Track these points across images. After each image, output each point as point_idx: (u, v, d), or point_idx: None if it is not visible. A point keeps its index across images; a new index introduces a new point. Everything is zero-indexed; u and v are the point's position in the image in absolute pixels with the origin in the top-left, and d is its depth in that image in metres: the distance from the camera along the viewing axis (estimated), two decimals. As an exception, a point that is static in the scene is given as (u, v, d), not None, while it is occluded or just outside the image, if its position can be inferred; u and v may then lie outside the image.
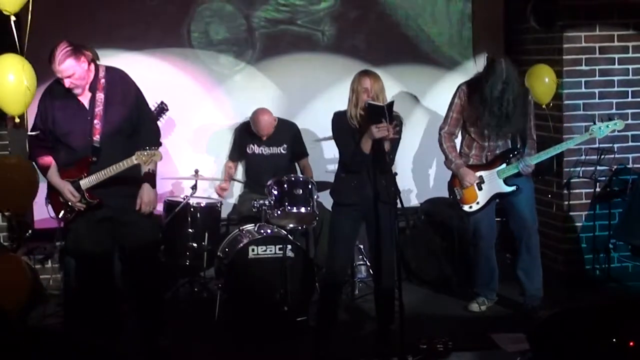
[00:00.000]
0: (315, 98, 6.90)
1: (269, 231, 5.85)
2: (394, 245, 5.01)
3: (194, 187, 6.24)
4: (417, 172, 7.11)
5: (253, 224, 6.00)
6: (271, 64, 6.87)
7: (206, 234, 6.17)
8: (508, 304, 6.00)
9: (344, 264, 5.44)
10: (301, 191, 5.81)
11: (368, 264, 6.25)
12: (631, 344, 3.47)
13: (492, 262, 5.90)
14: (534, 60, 6.57)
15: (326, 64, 6.89)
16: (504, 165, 5.68)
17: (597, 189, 6.48)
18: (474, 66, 6.92)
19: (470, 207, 5.75)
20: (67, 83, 4.81)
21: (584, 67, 6.54)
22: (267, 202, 5.86)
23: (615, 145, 6.44)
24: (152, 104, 5.50)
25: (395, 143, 5.08)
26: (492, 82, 5.44)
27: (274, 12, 6.83)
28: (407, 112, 6.71)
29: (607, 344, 3.51)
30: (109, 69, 4.99)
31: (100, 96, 4.89)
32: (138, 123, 5.00)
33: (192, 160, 6.53)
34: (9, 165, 5.83)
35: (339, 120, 5.15)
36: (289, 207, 5.75)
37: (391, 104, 4.91)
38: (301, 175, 6.27)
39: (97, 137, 4.86)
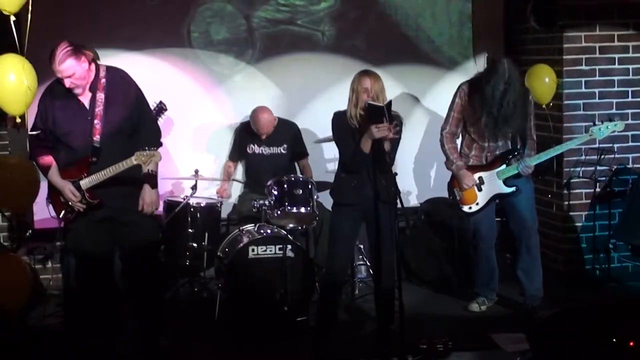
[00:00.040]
0: (315, 98, 6.90)
1: (269, 231, 5.85)
2: (394, 245, 5.01)
3: (194, 187, 6.24)
4: (417, 172, 7.11)
5: (253, 224, 6.00)
6: (271, 64, 6.87)
7: (206, 234, 6.17)
8: (508, 304, 6.00)
9: (344, 264, 5.44)
10: (301, 191, 5.81)
11: (368, 264, 6.25)
12: (631, 344, 3.47)
13: (492, 262, 5.90)
14: (534, 60, 6.57)
15: (326, 64, 6.89)
16: (503, 166, 5.68)
17: (597, 189, 6.48)
18: (474, 66, 6.92)
19: (470, 207, 5.75)
20: (67, 83, 4.81)
21: (584, 67, 6.54)
22: (267, 202, 5.86)
23: (615, 145, 6.44)
24: (151, 104, 5.50)
25: (395, 143, 5.08)
26: (494, 83, 5.43)
27: (274, 12, 6.83)
28: (407, 112, 6.71)
29: (607, 344, 3.51)
30: (109, 69, 4.99)
31: (100, 96, 4.89)
32: (138, 123, 5.00)
33: (192, 160, 6.53)
34: (11, 165, 5.83)
35: (339, 120, 5.15)
36: (289, 207, 5.75)
37: (389, 103, 4.91)
38: (301, 175, 6.27)
39: (97, 137, 4.86)
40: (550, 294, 5.92)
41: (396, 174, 4.91)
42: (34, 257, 6.42)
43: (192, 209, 6.18)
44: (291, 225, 5.85)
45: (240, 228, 6.05)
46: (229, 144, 6.76)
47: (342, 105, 5.16)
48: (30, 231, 6.29)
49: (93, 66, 4.91)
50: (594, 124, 5.72)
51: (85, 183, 4.90)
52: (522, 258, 5.79)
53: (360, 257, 6.42)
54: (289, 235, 5.79)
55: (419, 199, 7.03)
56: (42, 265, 6.49)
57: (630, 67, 6.59)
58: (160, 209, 6.11)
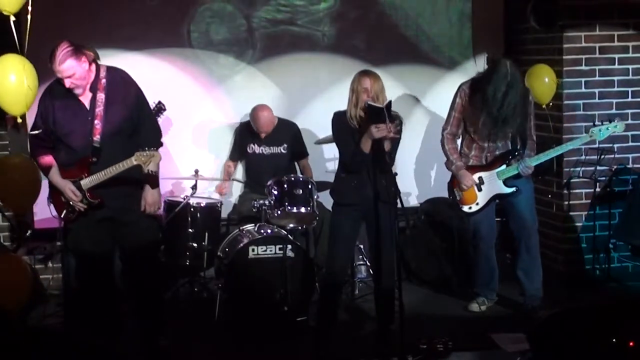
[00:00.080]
0: (315, 98, 6.90)
1: (269, 231, 5.85)
2: (394, 245, 5.01)
3: (194, 187, 6.25)
4: (417, 172, 7.11)
5: (253, 224, 6.00)
6: (271, 64, 6.87)
7: (206, 234, 6.17)
8: (508, 304, 6.00)
9: (344, 264, 5.44)
10: (301, 191, 5.81)
11: (368, 264, 6.25)
12: (631, 344, 3.47)
13: (492, 262, 5.90)
14: (534, 60, 6.57)
15: (326, 64, 6.89)
16: (503, 167, 5.68)
17: (597, 189, 6.49)
18: (474, 66, 6.92)
19: (470, 207, 5.75)
20: (67, 83, 4.81)
21: (584, 67, 6.54)
22: (267, 202, 5.86)
23: (615, 145, 6.44)
24: (150, 104, 5.49)
25: (395, 143, 5.08)
26: (496, 84, 5.41)
27: (274, 13, 6.83)
28: (407, 113, 6.71)
29: (607, 344, 3.51)
30: (110, 69, 4.99)
31: (101, 96, 4.89)
32: (139, 123, 5.00)
33: (192, 160, 6.53)
34: (12, 165, 5.82)
35: (339, 120, 5.15)
36: (289, 207, 5.75)
37: (389, 104, 4.91)
38: (301, 175, 6.27)
39: (97, 138, 4.86)
40: (550, 294, 5.92)
41: (396, 174, 4.91)
42: (34, 257, 6.42)
43: (192, 209, 6.19)
44: (291, 225, 5.85)
45: (240, 228, 6.05)
46: (229, 144, 6.77)
47: (342, 105, 5.16)
48: (30, 231, 6.29)
49: (93, 66, 4.91)
50: (594, 125, 5.72)
51: (85, 183, 4.90)
52: (521, 258, 5.80)
53: (360, 257, 6.42)
54: (289, 235, 5.79)
55: (419, 199, 7.02)
56: (42, 265, 6.49)
57: (630, 67, 6.59)
58: (160, 209, 6.12)
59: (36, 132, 4.98)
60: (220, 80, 6.82)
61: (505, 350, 5.14)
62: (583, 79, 6.54)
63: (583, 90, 6.55)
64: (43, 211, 5.82)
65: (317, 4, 6.87)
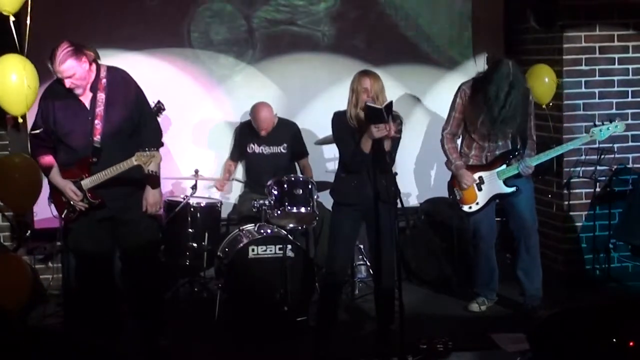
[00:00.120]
0: (315, 98, 6.90)
1: (269, 231, 5.85)
2: (394, 245, 5.01)
3: (194, 187, 6.25)
4: (417, 172, 7.11)
5: (253, 224, 6.00)
6: (271, 64, 6.87)
7: (206, 234, 6.17)
8: (508, 304, 6.00)
9: (344, 264, 5.44)
10: (301, 191, 5.81)
11: (368, 264, 6.25)
12: (631, 344, 3.47)
13: (492, 262, 5.91)
14: (534, 60, 6.57)
15: (326, 64, 6.89)
16: (504, 166, 5.68)
17: (597, 189, 6.49)
18: (474, 66, 6.92)
19: (470, 207, 5.75)
20: (67, 83, 4.81)
21: (584, 67, 6.54)
22: (267, 202, 5.86)
23: (615, 145, 6.44)
24: (150, 104, 5.50)
25: (395, 142, 5.08)
26: (499, 83, 5.40)
27: (274, 13, 6.83)
28: (407, 113, 6.71)
29: (607, 344, 3.51)
30: (110, 69, 4.99)
31: (101, 96, 4.89)
32: (139, 123, 5.00)
33: (192, 160, 6.53)
34: (13, 165, 5.81)
35: (339, 120, 5.15)
36: (289, 207, 5.75)
37: (390, 104, 4.90)
38: (301, 175, 6.27)
39: (97, 138, 4.86)
40: (550, 294, 5.92)
41: (396, 174, 4.91)
42: (34, 257, 6.42)
43: (192, 209, 6.19)
44: (291, 225, 5.85)
45: (240, 228, 6.05)
46: (229, 144, 6.77)
47: (342, 105, 5.16)
48: (30, 231, 6.29)
49: (94, 66, 4.91)
50: (595, 125, 5.72)
51: (86, 183, 4.90)
52: (521, 258, 5.80)
53: (360, 257, 6.42)
54: (289, 235, 5.79)
55: (419, 199, 7.02)
56: (42, 265, 6.49)
57: (630, 67, 6.59)
58: (161, 209, 6.12)
59: (36, 131, 4.98)
60: (220, 80, 6.82)
61: (505, 350, 5.14)
62: (583, 79, 6.54)
63: (583, 90, 6.55)
64: (43, 211, 5.81)
65: (317, 4, 6.87)
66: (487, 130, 5.58)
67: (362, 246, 6.31)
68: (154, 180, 5.03)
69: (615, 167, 6.51)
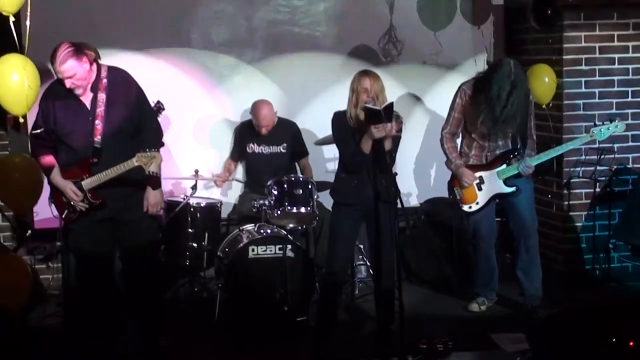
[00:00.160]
0: (315, 98, 6.90)
1: (269, 231, 5.85)
2: (394, 245, 5.01)
3: (194, 187, 6.25)
4: (417, 172, 7.11)
5: (253, 224, 6.00)
6: (271, 64, 6.87)
7: (206, 234, 6.17)
8: (508, 304, 6.00)
9: (344, 264, 5.44)
10: (301, 191, 5.81)
11: (368, 264, 6.25)
12: (631, 344, 3.48)
13: (492, 262, 5.91)
14: (534, 60, 6.57)
15: (326, 64, 6.89)
16: (504, 166, 5.68)
17: (597, 189, 6.49)
18: (474, 66, 6.92)
19: (470, 207, 5.75)
20: (68, 83, 4.80)
21: (584, 67, 6.54)
22: (267, 202, 5.86)
23: (615, 145, 6.44)
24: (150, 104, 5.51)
25: (396, 142, 5.08)
26: (500, 83, 5.38)
27: (274, 13, 6.83)
28: (407, 113, 6.72)
29: (607, 344, 3.51)
30: (111, 69, 4.99)
31: (101, 96, 4.88)
32: (139, 123, 5.00)
33: (192, 161, 6.53)
34: (14, 165, 5.81)
35: (339, 120, 5.15)
36: (289, 207, 5.75)
37: (390, 105, 4.90)
38: (301, 175, 6.27)
39: (98, 138, 4.86)
40: (550, 294, 5.93)
41: (396, 174, 4.91)
42: (34, 257, 6.42)
43: (192, 209, 6.19)
44: (291, 225, 5.85)
45: (240, 228, 6.05)
46: (229, 144, 6.77)
47: (342, 105, 5.16)
48: (30, 231, 6.29)
49: (94, 66, 4.91)
50: (595, 125, 5.72)
51: (87, 184, 4.90)
52: (521, 258, 5.80)
53: (360, 257, 6.42)
54: (289, 235, 5.79)
55: (419, 199, 7.02)
56: (42, 265, 6.49)
57: (630, 67, 6.59)
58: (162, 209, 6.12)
59: (37, 131, 4.98)
60: (220, 80, 6.82)
61: (505, 350, 5.14)
62: (583, 79, 6.54)
63: (583, 90, 6.55)
64: (43, 211, 5.81)
65: (317, 4, 6.87)
66: (487, 130, 5.58)
67: (362, 246, 6.31)
68: (155, 181, 5.03)
69: (615, 167, 6.51)
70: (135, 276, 5.15)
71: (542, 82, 6.34)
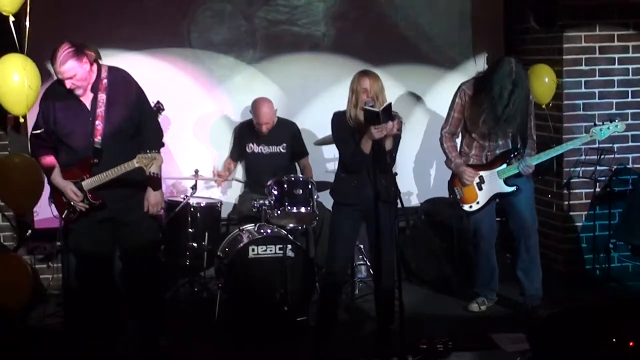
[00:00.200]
0: (315, 98, 6.90)
1: (269, 231, 5.85)
2: (394, 245, 5.01)
3: (194, 187, 6.25)
4: (417, 172, 7.11)
5: (253, 224, 6.00)
6: (271, 64, 6.87)
7: (206, 234, 6.17)
8: (508, 304, 6.00)
9: (344, 264, 5.44)
10: (301, 191, 5.81)
11: (368, 264, 6.25)
12: (631, 344, 3.48)
13: (493, 262, 5.91)
14: (534, 60, 6.56)
15: (326, 64, 6.89)
16: (504, 166, 5.68)
17: (597, 189, 6.49)
18: (474, 66, 6.92)
19: (471, 206, 5.75)
20: (68, 84, 4.80)
21: (584, 67, 6.54)
22: (267, 202, 5.86)
23: (615, 145, 6.44)
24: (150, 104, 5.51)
25: (396, 142, 5.07)
26: (502, 82, 5.38)
27: (274, 13, 6.83)
28: (407, 112, 6.71)
29: (607, 344, 3.51)
30: (111, 69, 4.98)
31: (102, 97, 4.88)
32: (140, 123, 5.00)
33: (192, 161, 6.53)
34: (14, 165, 5.80)
35: (339, 120, 5.15)
36: (289, 207, 5.75)
37: (388, 106, 4.90)
38: (301, 175, 6.27)
39: (98, 139, 4.86)
40: (550, 294, 5.93)
41: (396, 174, 4.91)
42: (34, 257, 6.42)
43: (192, 209, 6.19)
44: (291, 225, 5.85)
45: (240, 228, 6.05)
46: (229, 144, 6.77)
47: (342, 105, 5.16)
48: (30, 231, 6.28)
49: (95, 67, 4.90)
50: (595, 125, 5.72)
51: (87, 184, 4.90)
52: (521, 258, 5.80)
53: (360, 257, 6.42)
54: (289, 235, 5.79)
55: (419, 199, 7.03)
56: (42, 265, 6.48)
57: (630, 67, 6.59)
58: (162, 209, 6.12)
59: (37, 131, 4.98)
60: (220, 80, 6.82)
61: (505, 350, 5.14)
62: (583, 79, 6.54)
63: (583, 90, 6.55)
64: (43, 211, 5.82)
65: (317, 4, 6.87)
66: (488, 129, 5.58)
67: (362, 246, 6.31)
68: (156, 182, 5.03)
69: (615, 167, 6.51)
70: (136, 276, 5.15)
71: (542, 82, 6.34)
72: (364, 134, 4.94)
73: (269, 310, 5.63)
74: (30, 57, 5.12)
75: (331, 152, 6.44)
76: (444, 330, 5.36)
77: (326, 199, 5.67)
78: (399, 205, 4.84)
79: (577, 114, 6.54)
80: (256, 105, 6.44)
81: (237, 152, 6.70)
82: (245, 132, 6.61)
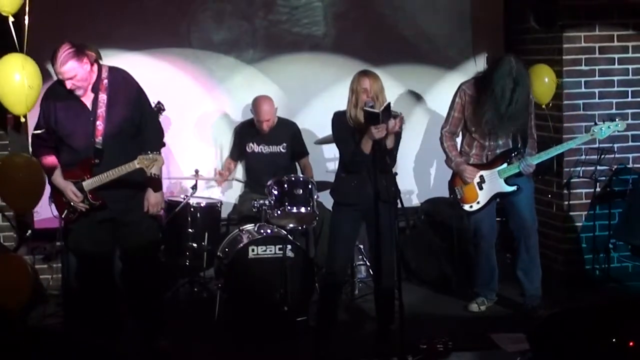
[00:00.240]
0: (315, 98, 6.91)
1: (269, 231, 5.85)
2: (394, 245, 5.01)
3: (194, 187, 6.25)
4: (417, 172, 7.11)
5: (253, 224, 6.00)
6: (271, 64, 6.87)
7: (206, 234, 6.17)
8: (508, 304, 6.00)
9: (344, 264, 5.44)
10: (301, 191, 5.81)
11: (368, 264, 6.25)
12: (631, 344, 3.48)
13: (493, 262, 5.91)
14: (534, 60, 6.56)
15: (326, 64, 6.89)
16: (505, 165, 5.68)
17: (597, 189, 6.48)
18: (474, 66, 6.92)
19: (471, 206, 5.75)
20: (68, 84, 4.80)
21: (584, 67, 6.54)
22: (267, 202, 5.86)
23: (615, 145, 6.44)
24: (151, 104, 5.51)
25: (397, 139, 5.07)
26: (503, 81, 5.38)
27: (274, 13, 6.83)
28: (407, 112, 6.69)
29: (607, 344, 3.51)
30: (112, 70, 4.98)
31: (102, 97, 4.88)
32: (140, 123, 4.99)
33: (193, 161, 6.53)
34: (15, 165, 5.80)
35: (339, 120, 5.15)
36: (289, 207, 5.75)
37: (388, 106, 4.90)
38: (301, 175, 6.27)
39: (99, 139, 4.85)
40: (550, 294, 5.93)
41: (396, 173, 4.91)
42: (34, 257, 6.42)
43: (192, 209, 6.19)
44: (291, 225, 5.85)
45: (240, 228, 6.05)
46: (229, 144, 6.77)
47: (342, 105, 5.16)
48: (30, 231, 6.29)
49: (95, 67, 4.90)
50: (595, 124, 5.73)
51: (87, 184, 4.90)
52: (521, 258, 5.80)
53: (360, 257, 6.42)
54: (289, 235, 5.79)
55: (419, 199, 7.03)
56: (43, 265, 6.48)
57: (630, 67, 6.59)
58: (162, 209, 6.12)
59: (38, 131, 4.98)
60: (221, 80, 6.83)
61: (505, 350, 5.14)
62: (583, 79, 6.54)
63: (583, 90, 6.55)
64: (44, 211, 5.81)
65: (317, 4, 6.87)
66: (490, 129, 5.58)
67: (362, 246, 6.31)
68: (156, 183, 5.03)
69: (615, 167, 6.51)
70: (136, 276, 5.15)
71: (542, 82, 6.34)
72: (364, 134, 4.94)
73: (269, 310, 5.63)
74: (31, 57, 5.12)
75: (331, 151, 6.44)
76: (444, 330, 5.35)
77: (326, 199, 5.67)
78: (399, 205, 4.84)
79: (577, 114, 6.55)
80: (257, 102, 6.44)
81: (237, 152, 6.70)
82: (245, 132, 6.61)
